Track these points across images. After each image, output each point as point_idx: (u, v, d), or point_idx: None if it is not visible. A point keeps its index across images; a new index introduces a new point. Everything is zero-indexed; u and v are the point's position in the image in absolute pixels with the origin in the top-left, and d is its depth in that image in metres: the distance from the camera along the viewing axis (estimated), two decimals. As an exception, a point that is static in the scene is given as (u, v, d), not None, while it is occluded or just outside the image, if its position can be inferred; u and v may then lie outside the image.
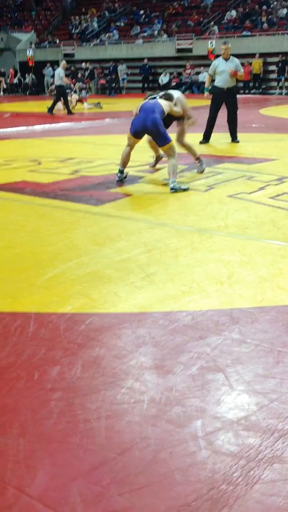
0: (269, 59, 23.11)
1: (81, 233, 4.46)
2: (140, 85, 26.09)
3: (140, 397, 2.23)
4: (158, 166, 7.09)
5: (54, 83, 16.17)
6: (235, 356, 2.53)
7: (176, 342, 2.67)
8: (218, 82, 9.04)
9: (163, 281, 3.42)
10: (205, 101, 9.99)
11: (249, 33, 24.11)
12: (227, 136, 9.45)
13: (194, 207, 5.21)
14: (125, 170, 6.36)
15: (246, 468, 1.82)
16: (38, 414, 2.14)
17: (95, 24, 29.69)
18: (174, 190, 5.78)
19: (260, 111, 15.43)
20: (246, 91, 23.53)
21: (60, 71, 15.15)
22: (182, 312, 2.99)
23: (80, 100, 17.87)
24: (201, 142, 9.12)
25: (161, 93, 6.36)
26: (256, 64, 23.18)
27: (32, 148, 9.45)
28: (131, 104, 6.97)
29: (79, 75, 25.67)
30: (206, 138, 9.27)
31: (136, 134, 6.12)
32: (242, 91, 23.61)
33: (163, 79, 25.05)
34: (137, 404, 2.19)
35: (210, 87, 9.47)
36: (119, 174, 6.32)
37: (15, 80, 28.99)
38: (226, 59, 9.01)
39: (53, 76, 24.90)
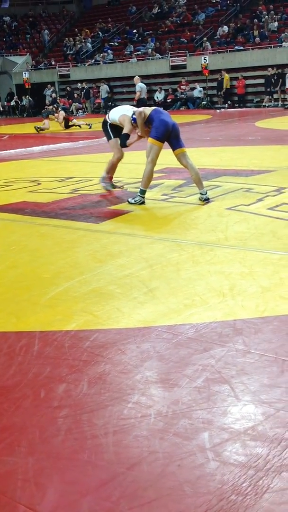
0: (262, 73, 23.25)
1: (82, 251, 4.49)
2: (135, 103, 26.26)
3: (147, 411, 2.24)
4: (153, 182, 7.12)
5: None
6: (239, 367, 2.54)
7: (181, 355, 2.68)
8: None
9: (165, 295, 3.44)
10: (202, 116, 10.00)
11: (241, 48, 24.37)
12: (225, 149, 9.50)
13: (193, 221, 5.25)
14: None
15: (255, 478, 1.83)
16: (45, 432, 2.15)
17: (89, 45, 30.05)
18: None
19: (256, 124, 15.54)
20: (241, 105, 23.72)
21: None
22: (186, 325, 3.01)
23: (67, 118, 18.04)
24: None
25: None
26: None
27: (31, 169, 9.52)
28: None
29: (75, 95, 25.94)
30: None
31: (163, 137, 5.94)
32: (237, 105, 23.84)
33: (158, 96, 25.28)
34: (144, 418, 2.20)
35: None
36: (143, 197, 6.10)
37: (12, 103, 29.29)
38: None
39: (50, 96, 25.30)
